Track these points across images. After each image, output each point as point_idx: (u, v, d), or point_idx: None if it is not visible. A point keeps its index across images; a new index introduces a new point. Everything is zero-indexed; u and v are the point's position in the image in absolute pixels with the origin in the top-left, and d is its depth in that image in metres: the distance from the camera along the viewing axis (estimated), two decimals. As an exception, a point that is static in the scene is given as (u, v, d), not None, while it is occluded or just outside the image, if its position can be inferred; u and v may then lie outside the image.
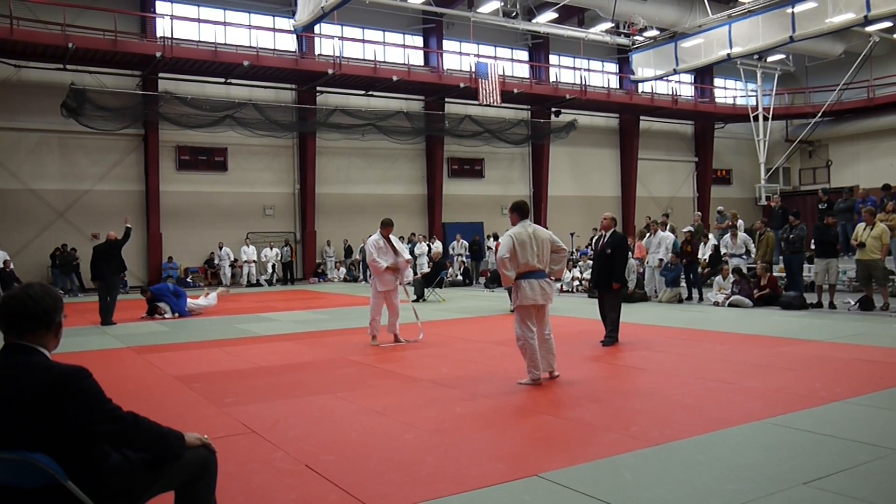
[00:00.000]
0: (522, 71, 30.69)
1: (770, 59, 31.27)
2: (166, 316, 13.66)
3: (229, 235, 24.26)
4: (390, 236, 9.56)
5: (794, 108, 34.11)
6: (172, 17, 23.00)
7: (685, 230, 15.63)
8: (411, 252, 23.45)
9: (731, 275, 14.09)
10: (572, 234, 25.25)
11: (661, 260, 15.20)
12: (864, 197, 16.74)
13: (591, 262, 18.04)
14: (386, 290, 9.39)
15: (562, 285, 17.99)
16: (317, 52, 25.61)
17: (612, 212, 9.79)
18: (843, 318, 11.22)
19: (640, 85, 31.32)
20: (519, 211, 6.85)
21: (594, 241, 10.29)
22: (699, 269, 15.62)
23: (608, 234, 9.14)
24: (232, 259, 24.06)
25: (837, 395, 5.73)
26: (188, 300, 14.27)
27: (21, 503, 2.41)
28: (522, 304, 6.65)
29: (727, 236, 15.83)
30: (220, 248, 23.82)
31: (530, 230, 6.68)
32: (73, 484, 2.41)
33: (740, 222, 17.56)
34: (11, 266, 18.13)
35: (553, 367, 6.74)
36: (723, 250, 15.95)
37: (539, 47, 30.56)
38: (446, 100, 28.08)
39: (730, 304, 13.39)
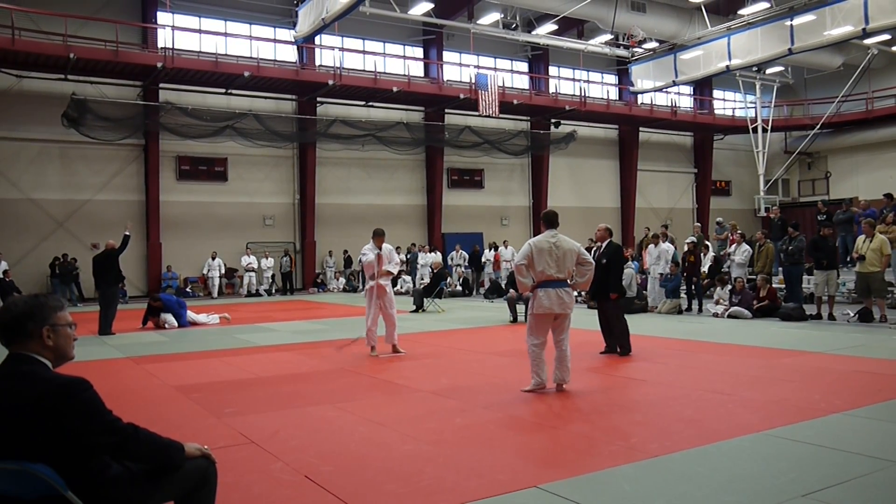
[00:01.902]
0: (522, 82, 30.81)
1: (769, 71, 31.37)
2: (166, 326, 13.65)
3: (229, 245, 24.25)
4: (383, 246, 9.59)
5: (792, 120, 34.20)
6: (174, 27, 23.09)
7: (688, 241, 15.67)
8: (413, 262, 23.54)
9: (730, 283, 14.11)
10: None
11: (661, 274, 15.24)
12: (865, 208, 16.75)
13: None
14: (372, 285, 9.44)
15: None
16: (317, 62, 25.71)
17: (611, 223, 9.87)
18: (843, 329, 11.22)
19: (639, 96, 31.42)
20: (546, 220, 7.01)
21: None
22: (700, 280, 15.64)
23: (604, 245, 9.25)
24: (223, 270, 23.94)
25: (837, 406, 5.72)
26: (190, 312, 14.26)
27: (22, 513, 2.42)
28: (537, 313, 6.70)
29: (733, 246, 15.84)
30: (213, 259, 23.57)
31: (553, 240, 6.75)
32: (73, 494, 2.41)
33: (740, 232, 17.57)
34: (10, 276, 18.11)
35: (566, 380, 6.74)
36: (730, 252, 15.98)
37: (539, 59, 30.69)
38: (446, 111, 28.16)
39: (729, 316, 13.39)
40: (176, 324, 13.71)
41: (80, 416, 2.43)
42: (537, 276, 6.67)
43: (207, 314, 14.72)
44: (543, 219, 7.06)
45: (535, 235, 7.03)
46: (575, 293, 7.15)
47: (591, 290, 9.56)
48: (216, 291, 23.58)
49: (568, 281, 6.78)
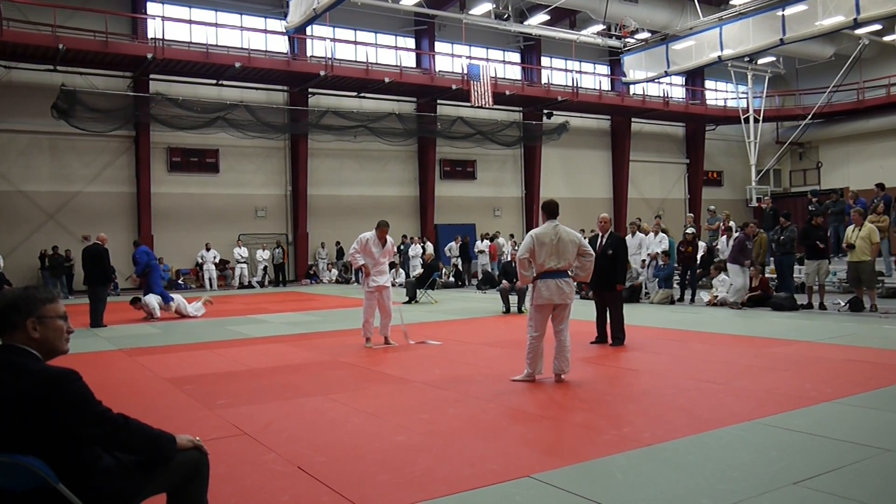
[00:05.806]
0: (514, 73, 30.74)
1: (761, 61, 31.42)
2: (155, 315, 13.57)
3: (221, 237, 24.18)
4: (387, 237, 9.55)
5: (784, 110, 34.29)
6: (164, 18, 22.93)
7: (688, 231, 15.70)
8: (406, 254, 23.52)
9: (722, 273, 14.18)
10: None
11: (643, 261, 15.24)
12: (855, 199, 16.81)
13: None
14: (373, 288, 9.39)
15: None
16: (309, 53, 25.58)
17: (604, 213, 9.82)
18: (834, 319, 11.28)
19: (631, 87, 31.42)
20: (547, 211, 6.92)
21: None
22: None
23: (606, 236, 9.16)
24: (218, 260, 23.87)
25: (827, 395, 5.76)
26: (178, 297, 14.21)
27: (12, 506, 2.40)
28: (537, 304, 6.72)
29: (723, 238, 15.86)
30: (208, 250, 23.51)
31: (553, 232, 6.69)
32: (64, 486, 2.40)
33: (732, 223, 17.61)
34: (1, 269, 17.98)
35: (564, 370, 6.74)
36: (719, 248, 16.03)
37: (531, 49, 30.64)
38: (438, 101, 28.09)
39: (720, 301, 13.46)
40: (157, 313, 13.68)
41: (69, 408, 2.42)
42: (538, 267, 6.66)
43: (194, 304, 14.52)
44: (544, 209, 6.95)
45: (528, 226, 7.00)
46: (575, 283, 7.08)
47: (594, 280, 9.49)
48: (213, 283, 23.44)
49: (569, 272, 6.77)
